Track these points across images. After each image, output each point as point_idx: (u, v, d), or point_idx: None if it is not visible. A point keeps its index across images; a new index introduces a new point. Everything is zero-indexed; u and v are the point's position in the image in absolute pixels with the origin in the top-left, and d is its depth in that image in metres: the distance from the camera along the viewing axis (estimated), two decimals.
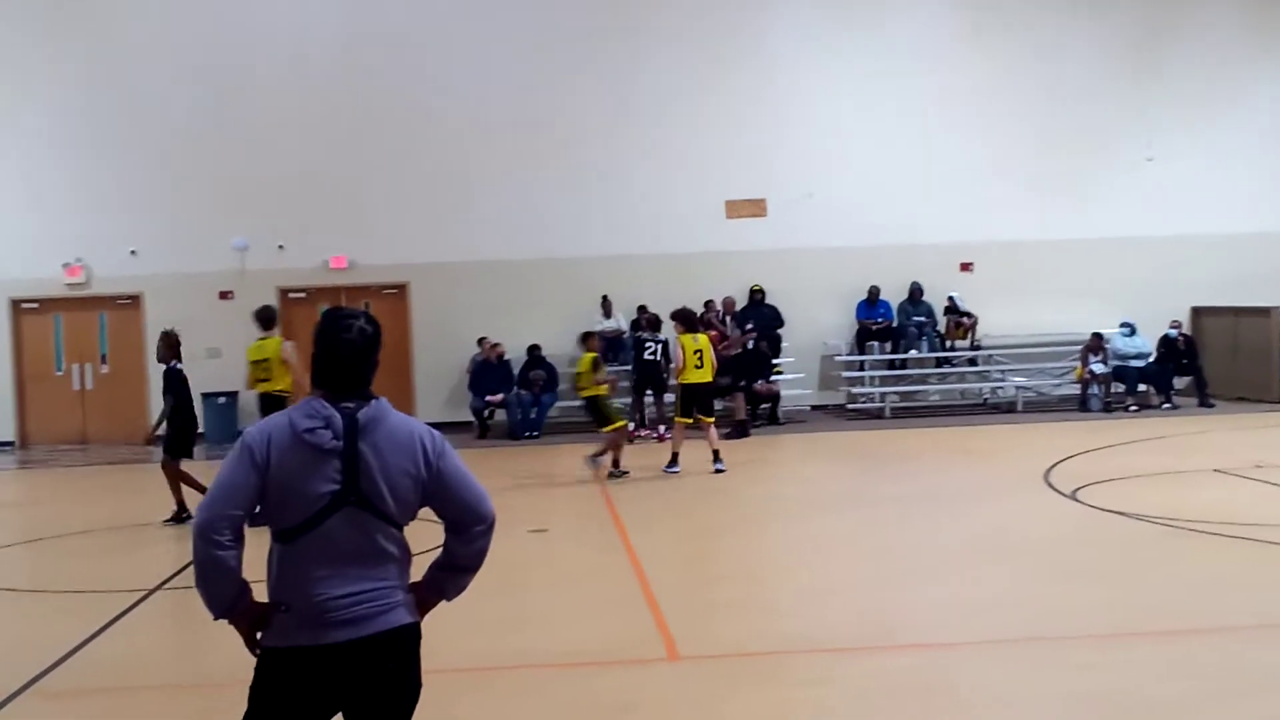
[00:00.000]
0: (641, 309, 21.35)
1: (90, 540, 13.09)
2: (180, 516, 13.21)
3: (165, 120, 22.32)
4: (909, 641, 7.95)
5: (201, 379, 21.65)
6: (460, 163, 22.64)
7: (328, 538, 3.95)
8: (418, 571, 4.22)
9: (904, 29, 23.44)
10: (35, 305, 22.66)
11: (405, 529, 4.13)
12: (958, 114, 23.24)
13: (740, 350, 20.61)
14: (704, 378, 16.00)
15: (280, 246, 22.51)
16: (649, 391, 20.20)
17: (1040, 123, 23.33)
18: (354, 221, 22.62)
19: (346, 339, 4.09)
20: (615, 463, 15.84)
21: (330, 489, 3.94)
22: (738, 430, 19.71)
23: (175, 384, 13.78)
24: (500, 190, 22.70)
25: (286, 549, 4.00)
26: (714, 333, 19.66)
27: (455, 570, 4.25)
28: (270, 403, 13.49)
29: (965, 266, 23.54)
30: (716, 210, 23.12)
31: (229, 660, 7.45)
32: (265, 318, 14.47)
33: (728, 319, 20.91)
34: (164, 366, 13.92)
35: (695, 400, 15.97)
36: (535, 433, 21.04)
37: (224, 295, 22.35)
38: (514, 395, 21.29)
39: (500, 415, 21.63)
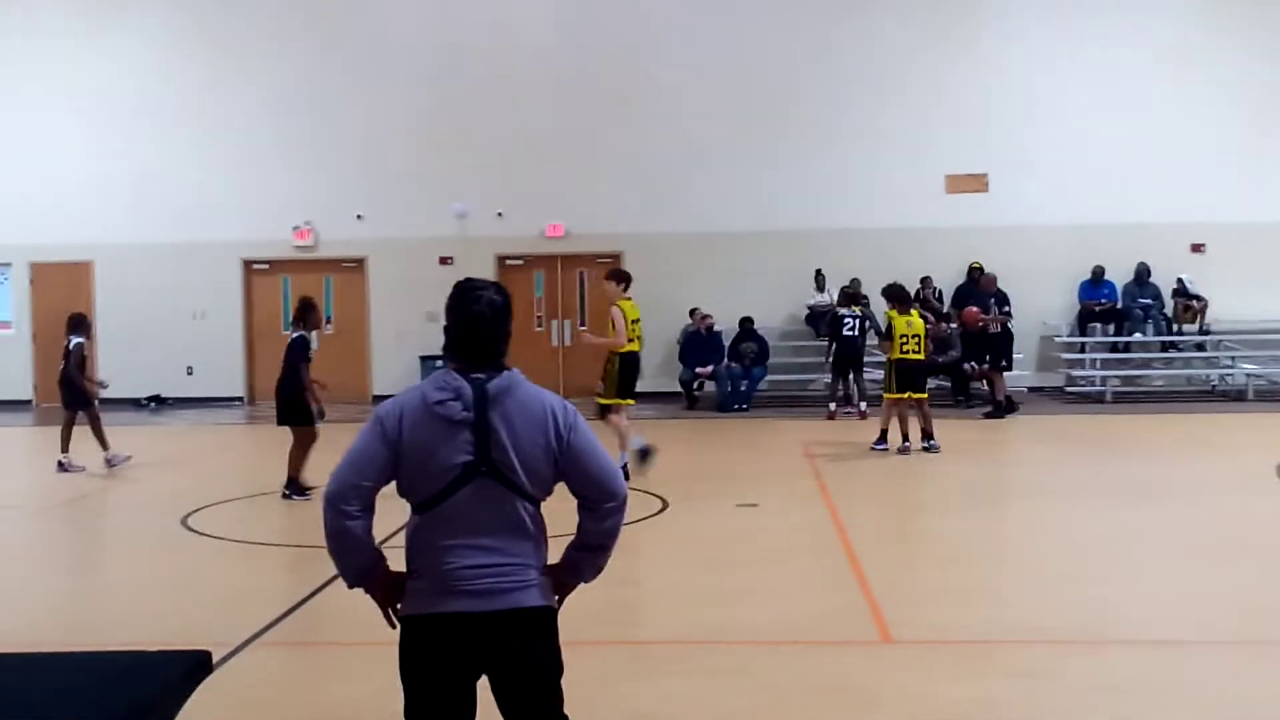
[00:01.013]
0: (850, 284, 21.08)
1: (313, 496, 13.53)
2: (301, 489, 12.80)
3: (391, 88, 22.92)
4: (1132, 637, 7.67)
5: (421, 343, 22.43)
6: (677, 134, 22.69)
7: (461, 508, 3.98)
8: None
9: (1129, 3, 22.57)
10: (265, 266, 23.56)
11: (541, 506, 4.12)
12: (1192, 89, 22.31)
13: (1000, 329, 19.94)
14: (916, 356, 15.69)
15: (499, 214, 22.91)
16: (849, 369, 19.91)
17: (1277, 98, 22.22)
18: (571, 190, 22.89)
19: (476, 310, 4.11)
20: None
21: (462, 460, 3.96)
22: (997, 409, 19.26)
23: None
24: (716, 162, 22.68)
25: (422, 519, 4.06)
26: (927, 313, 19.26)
27: (589, 549, 4.20)
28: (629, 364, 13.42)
29: (1196, 248, 22.61)
30: (936, 185, 22.68)
31: None
32: (628, 277, 13.75)
33: (991, 300, 20.14)
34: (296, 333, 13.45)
35: (907, 377, 15.64)
36: (744, 405, 21.00)
37: (444, 260, 22.86)
38: (724, 367, 21.28)
39: (710, 387, 21.65)
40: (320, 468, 14.36)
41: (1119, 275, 22.39)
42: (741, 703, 6.52)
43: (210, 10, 23.28)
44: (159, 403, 22.97)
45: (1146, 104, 22.27)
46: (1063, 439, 17.48)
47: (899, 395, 15.65)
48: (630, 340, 13.45)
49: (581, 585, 4.30)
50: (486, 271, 22.83)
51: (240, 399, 23.38)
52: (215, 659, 6.91)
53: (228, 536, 11.15)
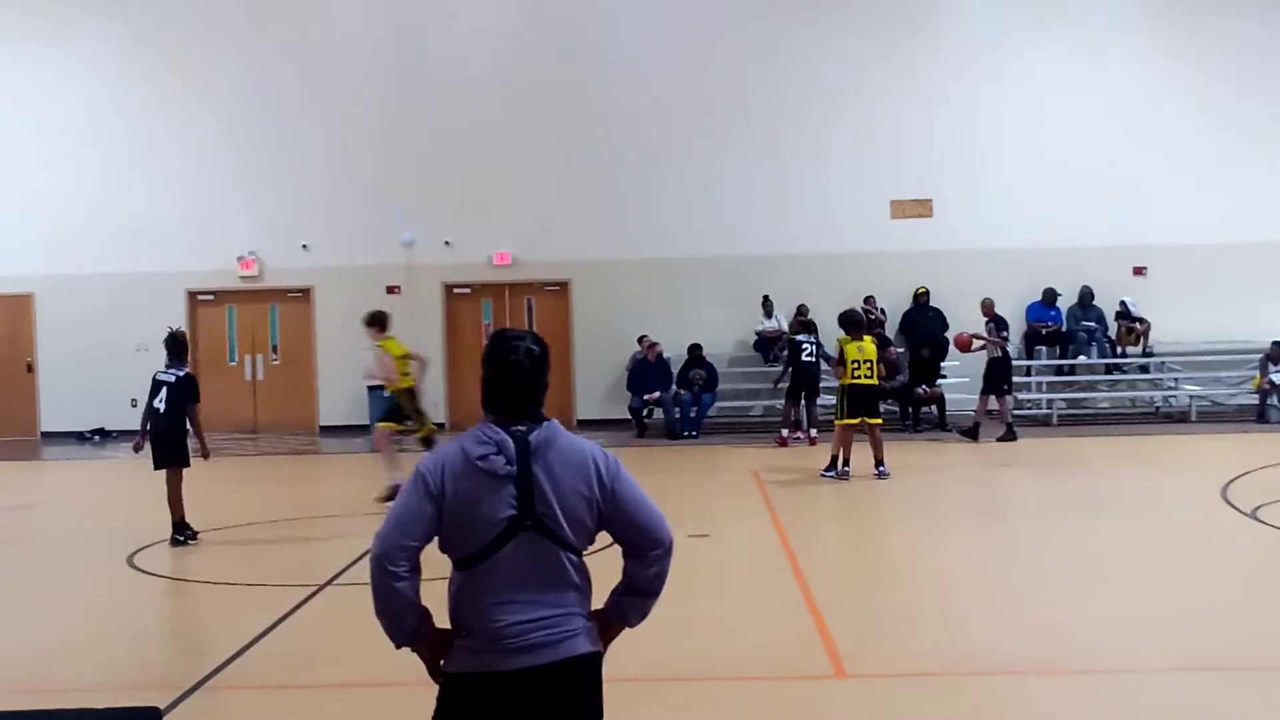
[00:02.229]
0: (799, 310, 21.16)
1: (259, 531, 13.38)
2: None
3: (338, 117, 22.84)
4: (1095, 665, 7.67)
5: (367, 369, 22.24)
6: (623, 163, 22.74)
7: (506, 563, 3.91)
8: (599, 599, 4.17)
9: (1075, 26, 22.85)
10: (211, 297, 23.35)
11: (585, 556, 4.09)
12: (1132, 114, 22.63)
13: (1000, 354, 19.66)
14: (869, 380, 15.72)
15: (446, 242, 22.83)
16: (805, 395, 19.92)
17: (1219, 122, 22.55)
18: (518, 219, 22.88)
19: (514, 360, 4.02)
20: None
21: (507, 514, 3.90)
22: (1009, 433, 19.31)
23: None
24: (661, 188, 22.75)
25: (465, 575, 3.97)
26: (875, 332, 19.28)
27: (637, 595, 4.16)
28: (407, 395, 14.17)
29: (1139, 270, 22.90)
30: (881, 210, 22.81)
31: (402, 660, 7.50)
32: (383, 318, 14.48)
33: (991, 325, 19.98)
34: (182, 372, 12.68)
35: (859, 402, 15.66)
36: (694, 432, 21.01)
37: (391, 289, 22.74)
38: (672, 394, 21.27)
39: (659, 414, 21.64)
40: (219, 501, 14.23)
41: (1063, 299, 22.60)
42: None
43: (158, 40, 23.11)
44: (103, 435, 22.66)
45: (1091, 129, 22.54)
46: (1011, 461, 17.58)
47: (851, 421, 15.67)
48: (404, 375, 14.12)
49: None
50: (434, 299, 22.78)
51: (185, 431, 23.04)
52: (165, 702, 6.81)
53: (176, 575, 10.98)
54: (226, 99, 22.91)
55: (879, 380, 16.16)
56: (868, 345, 15.86)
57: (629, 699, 6.98)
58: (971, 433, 19.35)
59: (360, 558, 11.22)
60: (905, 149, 22.74)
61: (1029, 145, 22.61)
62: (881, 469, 15.57)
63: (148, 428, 12.53)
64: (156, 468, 12.44)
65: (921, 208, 22.94)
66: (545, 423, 4.03)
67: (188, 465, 12.51)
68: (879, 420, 15.97)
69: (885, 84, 22.76)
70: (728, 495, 15.05)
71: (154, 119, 22.95)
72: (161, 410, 12.37)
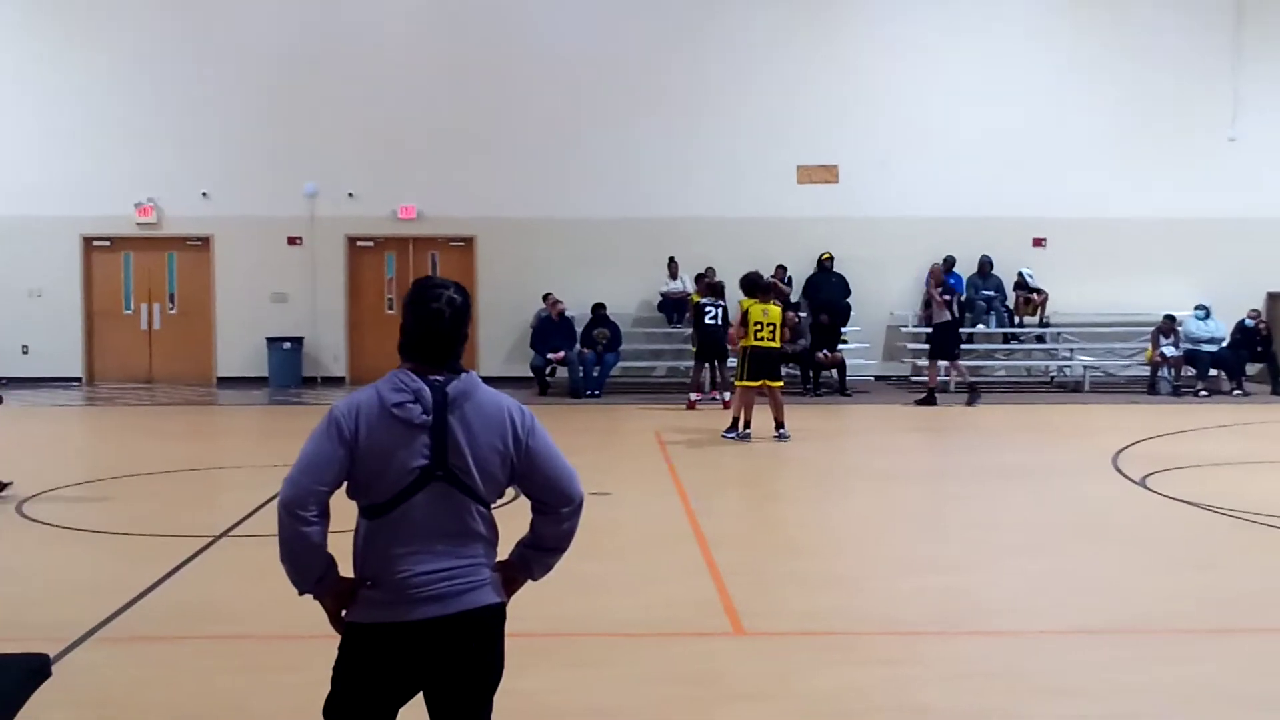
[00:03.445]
0: (701, 274, 21.16)
1: (154, 482, 13.15)
2: None
3: (241, 64, 22.40)
4: (987, 628, 7.80)
5: (267, 324, 22.01)
6: (531, 119, 22.57)
7: (415, 514, 3.88)
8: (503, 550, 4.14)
9: (984, 3, 23.06)
10: (107, 243, 22.84)
11: (493, 507, 4.05)
12: (1038, 87, 22.90)
13: (950, 318, 19.86)
14: (771, 344, 15.79)
15: (350, 194, 22.54)
16: (712, 358, 19.95)
17: (1120, 98, 22.92)
18: (424, 173, 22.63)
19: (435, 309, 3.97)
20: None
21: (419, 464, 3.87)
22: (929, 397, 19.75)
23: None
24: (571, 148, 22.62)
25: (373, 524, 3.93)
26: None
27: (543, 550, 4.16)
28: None
29: (1038, 242, 23.24)
30: (788, 176, 22.89)
31: (295, 613, 7.45)
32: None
33: (940, 290, 19.98)
34: None
35: (761, 365, 15.72)
36: (596, 392, 21.00)
37: (292, 241, 22.45)
38: (576, 353, 21.22)
39: (561, 373, 21.59)
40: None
41: (964, 268, 22.87)
42: (604, 697, 6.48)
43: None
44: None
45: (997, 104, 22.77)
46: (909, 427, 17.80)
47: (752, 383, 15.75)
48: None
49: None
50: (337, 252, 22.52)
51: (79, 379, 22.62)
52: (54, 652, 6.66)
53: (65, 524, 10.75)
54: (125, 41, 22.33)
55: (780, 344, 16.25)
56: (772, 309, 15.92)
57: (528, 654, 6.97)
58: (929, 400, 19.59)
59: (255, 510, 11.09)
60: (814, 118, 22.82)
61: (936, 118, 22.80)
62: (782, 431, 15.68)
63: None
64: None
65: (828, 174, 23.06)
66: (463, 374, 3.99)
67: None
68: (780, 383, 16.07)
69: (798, 54, 22.79)
70: (630, 456, 15.06)
71: (48, 63, 22.31)
72: None
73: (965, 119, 22.74)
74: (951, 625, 7.81)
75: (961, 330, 20.75)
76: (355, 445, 3.85)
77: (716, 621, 7.85)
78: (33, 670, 3.91)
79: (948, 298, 19.92)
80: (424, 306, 3.98)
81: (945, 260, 22.65)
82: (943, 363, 20.15)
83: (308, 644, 7.22)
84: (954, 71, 22.85)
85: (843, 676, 6.79)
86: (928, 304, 20.52)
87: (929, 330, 20.41)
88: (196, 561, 9.37)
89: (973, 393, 19.76)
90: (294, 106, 22.40)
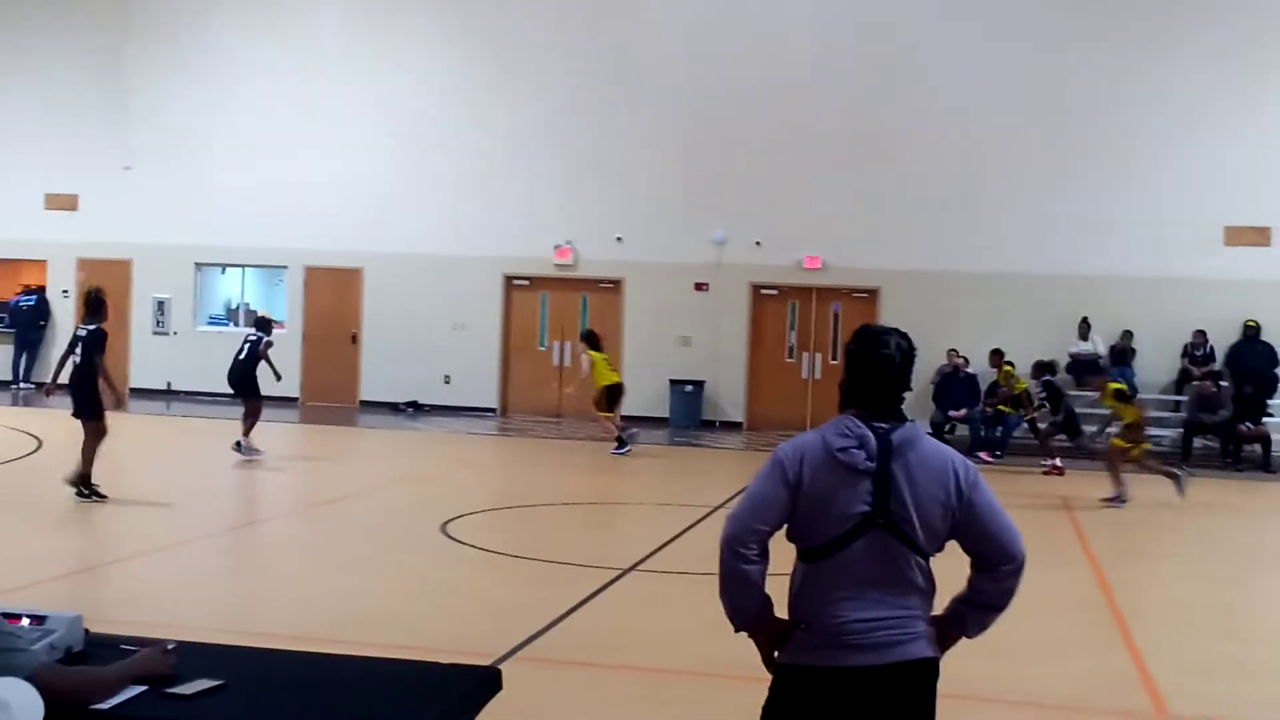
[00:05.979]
0: (1119, 340, 20.20)
1: (563, 512, 13.69)
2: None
3: (658, 114, 23.13)
4: None
5: (671, 365, 22.60)
6: (940, 173, 22.26)
7: (853, 559, 3.85)
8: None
9: None
10: (526, 282, 24.02)
11: (931, 560, 3.98)
12: None
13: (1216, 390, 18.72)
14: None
15: (757, 243, 22.87)
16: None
17: None
18: (830, 223, 22.67)
19: (885, 354, 3.96)
20: None
21: (860, 510, 3.84)
22: None
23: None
24: (978, 201, 22.19)
25: (810, 568, 3.93)
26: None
27: (979, 608, 4.04)
28: None
29: None
30: (1215, 237, 21.64)
31: (696, 650, 7.51)
32: None
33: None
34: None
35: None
36: (999, 453, 20.29)
37: (699, 286, 22.97)
38: (978, 411, 20.70)
39: (962, 430, 21.10)
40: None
41: None
42: None
43: (488, 33, 23.89)
44: (416, 408, 23.64)
45: None
46: None
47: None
48: None
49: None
50: (741, 298, 22.89)
51: (493, 410, 23.86)
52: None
53: (486, 546, 11.32)
54: (552, 96, 23.39)
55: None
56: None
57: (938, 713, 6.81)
58: None
59: (661, 546, 11.37)
60: (1245, 176, 21.51)
61: None
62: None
63: (57, 379, 13.27)
64: (74, 416, 12.93)
65: (1258, 235, 21.70)
66: (907, 422, 3.95)
67: (100, 419, 12.79)
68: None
69: (1227, 110, 21.57)
70: (1034, 517, 14.52)
71: (481, 113, 23.65)
72: (78, 363, 12.93)
73: None
74: None
75: None
76: (798, 488, 3.86)
77: (1133, 700, 7.46)
78: (486, 681, 4.10)
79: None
80: (872, 353, 3.98)
81: None
82: None
83: (717, 682, 7.33)
84: None
85: None
86: None
87: None
88: (608, 591, 9.67)
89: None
90: (706, 156, 22.91)
